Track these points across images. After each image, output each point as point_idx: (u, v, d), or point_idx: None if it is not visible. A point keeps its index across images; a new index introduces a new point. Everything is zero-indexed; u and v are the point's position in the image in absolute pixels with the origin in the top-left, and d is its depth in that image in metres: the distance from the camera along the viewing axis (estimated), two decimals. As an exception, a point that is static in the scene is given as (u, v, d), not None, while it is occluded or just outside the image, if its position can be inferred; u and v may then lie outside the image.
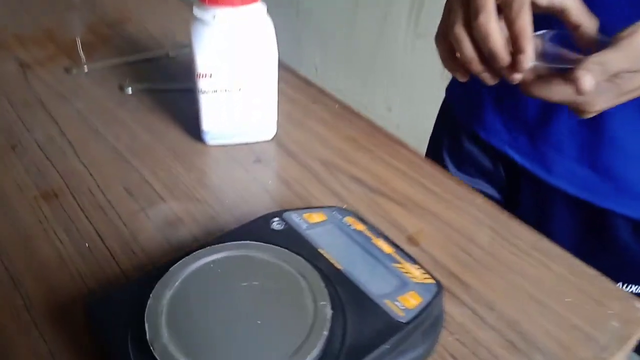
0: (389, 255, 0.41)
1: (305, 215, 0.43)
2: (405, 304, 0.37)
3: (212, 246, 0.38)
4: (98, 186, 0.51)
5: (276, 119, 0.57)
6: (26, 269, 0.43)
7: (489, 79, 0.46)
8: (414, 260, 0.41)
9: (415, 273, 0.40)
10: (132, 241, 0.45)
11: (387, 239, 0.43)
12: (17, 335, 0.38)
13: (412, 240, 0.48)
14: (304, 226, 0.42)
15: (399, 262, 0.41)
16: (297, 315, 0.34)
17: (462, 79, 0.48)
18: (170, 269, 0.36)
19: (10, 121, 0.58)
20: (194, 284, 0.35)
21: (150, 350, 0.31)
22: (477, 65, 0.45)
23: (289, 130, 0.59)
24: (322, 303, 0.35)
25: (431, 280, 0.40)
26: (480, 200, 0.52)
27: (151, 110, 0.61)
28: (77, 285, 0.42)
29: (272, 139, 0.58)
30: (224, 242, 0.39)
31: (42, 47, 0.72)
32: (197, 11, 0.50)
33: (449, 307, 0.42)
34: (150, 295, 0.34)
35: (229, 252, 0.38)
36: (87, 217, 0.47)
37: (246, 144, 0.57)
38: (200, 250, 0.37)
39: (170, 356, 0.31)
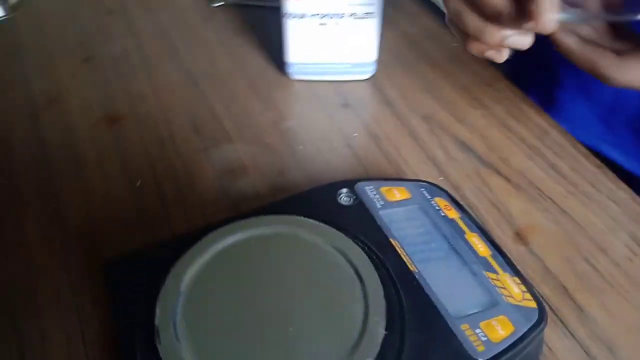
0: (483, 260, 0.32)
1: (384, 190, 0.35)
2: (489, 334, 0.28)
3: (257, 217, 0.31)
4: (164, 115, 0.45)
5: (376, 55, 0.47)
6: (71, 197, 0.39)
7: (519, 42, 0.35)
8: (516, 271, 0.32)
9: (513, 290, 0.30)
10: (186, 186, 0.40)
11: (485, 235, 0.33)
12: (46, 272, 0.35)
13: (520, 236, 0.37)
14: (379, 204, 0.33)
15: (494, 272, 0.31)
16: (340, 330, 0.27)
17: (498, 59, 0.37)
18: (200, 241, 0.29)
19: (90, 30, 0.54)
20: (222, 266, 0.29)
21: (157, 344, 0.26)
22: (492, 34, 0.35)
23: (390, 72, 0.49)
24: (375, 319, 0.27)
25: (533, 304, 0.30)
26: (624, 194, 0.40)
27: (237, 30, 0.54)
28: (118, 227, 0.37)
29: (368, 79, 0.49)
30: (280, 209, 0.32)
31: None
32: None
33: (552, 336, 0.32)
34: (169, 273, 0.28)
35: (275, 228, 0.30)
36: (145, 150, 0.42)
37: (336, 82, 0.48)
38: (241, 221, 0.31)
39: (177, 357, 0.25)
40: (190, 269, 0.28)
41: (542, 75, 0.53)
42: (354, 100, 0.47)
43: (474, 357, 0.27)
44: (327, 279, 0.29)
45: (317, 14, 0.43)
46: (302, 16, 0.43)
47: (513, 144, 0.43)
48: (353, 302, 0.27)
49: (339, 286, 0.28)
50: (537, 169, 0.42)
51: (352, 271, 0.29)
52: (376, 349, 0.26)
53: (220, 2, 0.56)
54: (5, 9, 0.54)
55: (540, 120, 0.45)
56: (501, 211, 0.39)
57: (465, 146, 0.43)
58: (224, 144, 0.43)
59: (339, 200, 0.33)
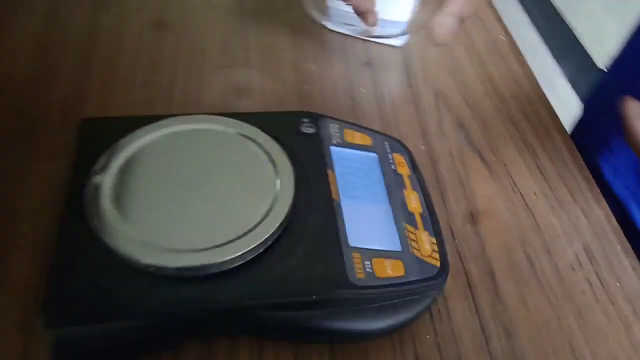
0: (410, 214, 0.33)
1: (347, 131, 0.37)
2: (376, 269, 0.29)
3: (208, 115, 0.34)
4: (201, 32, 0.50)
5: (408, 17, 0.49)
6: (91, 88, 0.45)
7: None
8: (436, 233, 0.33)
9: (423, 245, 0.32)
10: (195, 91, 0.44)
11: (425, 196, 0.35)
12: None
13: (472, 216, 0.38)
14: (335, 141, 0.36)
15: (414, 226, 0.33)
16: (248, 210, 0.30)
17: None
18: (152, 124, 0.33)
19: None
20: (161, 147, 0.32)
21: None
22: None
23: (424, 46, 0.50)
24: (277, 210, 0.29)
25: (436, 263, 0.31)
26: (599, 211, 0.39)
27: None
28: (126, 110, 0.42)
29: (402, 47, 0.50)
30: (241, 118, 0.35)
31: None
32: None
33: (456, 305, 0.33)
34: (117, 143, 0.32)
35: (220, 126, 0.34)
36: (174, 58, 0.47)
37: (369, 41, 0.50)
38: (193, 116, 0.34)
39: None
40: (134, 144, 0.32)
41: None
42: (376, 61, 0.49)
43: (351, 280, 0.29)
44: (250, 170, 0.32)
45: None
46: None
47: (510, 138, 0.43)
48: (266, 194, 0.30)
49: (259, 180, 0.31)
50: (522, 165, 0.41)
51: (273, 171, 0.32)
52: (263, 246, 0.28)
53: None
54: None
55: (550, 122, 0.45)
56: (465, 191, 0.39)
57: (462, 128, 0.44)
58: (242, 68, 0.47)
59: (299, 127, 0.36)
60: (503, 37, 0.52)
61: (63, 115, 0.41)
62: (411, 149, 0.40)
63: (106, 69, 0.45)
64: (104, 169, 0.31)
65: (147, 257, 0.27)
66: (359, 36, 0.50)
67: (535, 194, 0.39)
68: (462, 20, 0.36)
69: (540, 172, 0.41)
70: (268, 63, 0.47)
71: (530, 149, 0.43)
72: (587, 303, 0.34)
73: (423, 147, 0.42)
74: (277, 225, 0.29)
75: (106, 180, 0.30)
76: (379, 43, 0.50)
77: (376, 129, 0.40)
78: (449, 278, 0.33)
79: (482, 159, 0.42)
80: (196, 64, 0.47)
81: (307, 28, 0.51)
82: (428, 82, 0.47)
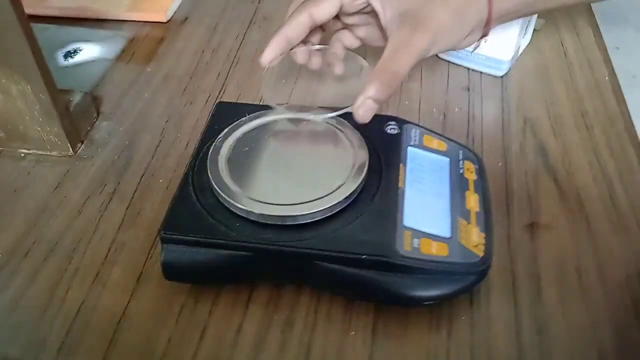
0: (466, 210, 0.38)
1: (426, 137, 0.42)
2: (422, 247, 0.35)
3: (302, 105, 0.43)
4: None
5: (512, 55, 0.53)
6: (232, 82, 0.55)
7: None
8: (487, 230, 0.37)
9: (471, 237, 0.36)
10: (312, 93, 0.53)
11: (484, 199, 0.39)
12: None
13: (532, 228, 0.41)
14: (413, 142, 0.41)
15: (468, 220, 0.37)
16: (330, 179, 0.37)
17: None
18: (259, 112, 0.42)
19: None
20: (268, 131, 0.41)
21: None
22: None
23: (525, 76, 0.54)
24: (351, 184, 0.36)
25: (480, 253, 0.35)
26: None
27: None
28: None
29: (502, 77, 0.55)
30: (337, 115, 0.42)
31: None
32: None
33: (495, 295, 0.37)
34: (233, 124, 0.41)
35: (311, 116, 0.41)
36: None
37: (474, 70, 0.55)
38: (286, 106, 0.42)
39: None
40: (249, 124, 0.41)
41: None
42: (476, 87, 0.53)
43: (397, 250, 0.34)
44: (334, 154, 0.39)
45: (467, 4, 0.51)
46: None
47: (590, 169, 0.45)
48: (342, 174, 0.37)
49: (339, 162, 0.38)
50: (595, 194, 0.43)
51: (352, 157, 0.38)
52: (330, 211, 0.35)
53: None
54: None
55: (635, 160, 0.46)
56: (532, 205, 0.43)
57: (542, 152, 0.47)
58: (356, 78, 0.54)
59: (385, 128, 0.42)
60: (607, 78, 0.54)
61: (207, 101, 0.52)
62: (488, 163, 0.44)
63: (246, 69, 0.56)
64: (224, 139, 0.40)
65: (245, 204, 0.35)
66: (464, 65, 0.55)
67: (599, 220, 0.42)
68: (378, 103, 0.39)
69: (613, 203, 0.43)
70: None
71: (608, 180, 0.44)
72: (628, 320, 0.36)
73: (500, 164, 0.46)
74: (345, 197, 0.35)
75: (224, 147, 0.39)
76: (481, 72, 0.55)
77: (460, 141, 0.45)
78: (494, 273, 0.37)
79: (556, 181, 0.44)
80: (317, 73, 0.55)
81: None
82: (520, 109, 0.51)
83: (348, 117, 0.41)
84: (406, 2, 0.40)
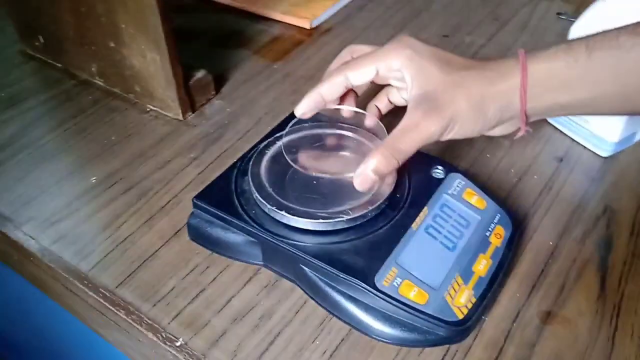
0: (469, 271, 0.38)
1: (468, 189, 0.42)
2: (401, 287, 0.36)
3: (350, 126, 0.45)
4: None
5: (618, 139, 0.48)
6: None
7: None
8: (481, 297, 0.36)
9: (459, 297, 0.36)
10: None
11: (498, 268, 0.38)
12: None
13: (547, 315, 0.38)
14: (451, 191, 0.41)
15: (465, 281, 0.37)
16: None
17: None
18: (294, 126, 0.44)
19: None
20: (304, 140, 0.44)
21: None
22: None
23: (633, 164, 0.49)
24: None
25: (460, 314, 0.35)
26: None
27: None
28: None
29: (605, 158, 0.50)
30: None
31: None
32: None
33: None
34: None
35: (354, 135, 0.44)
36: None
37: (578, 143, 0.52)
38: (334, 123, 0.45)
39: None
40: (300, 134, 0.45)
41: None
42: (570, 160, 0.50)
43: (374, 280, 0.35)
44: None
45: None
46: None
47: None
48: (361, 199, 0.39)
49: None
50: (638, 306, 0.39)
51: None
52: (333, 226, 0.38)
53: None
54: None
55: None
56: (562, 294, 0.40)
57: (606, 246, 0.43)
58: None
59: (431, 169, 0.43)
60: None
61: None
62: (538, 239, 0.42)
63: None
64: (276, 140, 0.44)
65: (263, 198, 0.39)
66: (570, 135, 0.52)
67: (630, 337, 0.37)
68: (378, 175, 0.38)
69: (660, 324, 0.38)
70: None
71: None
72: None
73: (551, 243, 0.43)
74: (351, 218, 0.38)
75: (273, 147, 0.43)
76: (586, 148, 0.51)
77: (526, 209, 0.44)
78: (481, 342, 0.36)
79: (602, 281, 0.41)
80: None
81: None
82: (607, 197, 0.47)
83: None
84: (433, 82, 0.39)
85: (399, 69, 0.41)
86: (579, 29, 0.48)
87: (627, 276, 0.41)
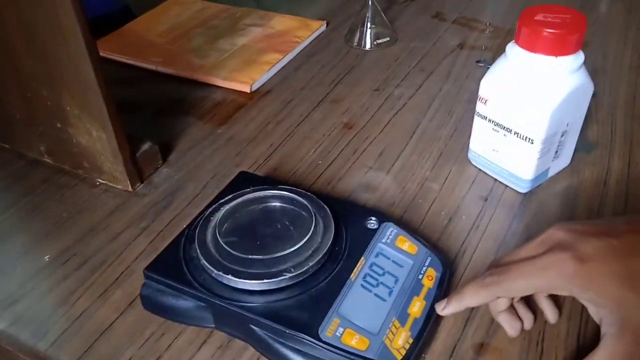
0: (405, 314, 0.41)
1: (400, 237, 0.46)
2: (343, 336, 0.38)
3: (296, 189, 0.48)
4: (380, 139, 0.64)
5: (532, 176, 0.53)
6: (275, 156, 0.63)
7: None
8: (417, 337, 0.40)
9: (397, 339, 0.39)
10: (333, 179, 0.58)
11: (432, 308, 0.41)
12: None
13: (480, 347, 0.42)
14: (384, 240, 0.45)
15: (402, 324, 0.40)
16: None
17: None
18: (240, 193, 0.48)
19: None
20: (254, 203, 0.47)
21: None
22: None
23: (550, 197, 0.54)
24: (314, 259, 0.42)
25: (398, 356, 0.38)
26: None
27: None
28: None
29: (525, 194, 0.55)
30: (322, 198, 0.47)
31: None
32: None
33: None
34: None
35: (301, 199, 0.46)
36: (346, 153, 0.62)
37: (500, 182, 0.57)
38: (286, 187, 0.48)
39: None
40: (244, 198, 0.47)
41: None
42: (494, 198, 0.55)
43: (318, 333, 0.38)
44: (302, 233, 0.43)
45: (493, 121, 0.53)
46: (484, 117, 0.54)
47: (570, 318, 0.45)
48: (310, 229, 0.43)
49: (306, 243, 0.43)
50: (557, 330, 0.43)
51: (319, 241, 0.43)
52: (276, 284, 0.40)
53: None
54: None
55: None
56: (492, 325, 0.43)
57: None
58: (381, 176, 0.59)
59: (365, 221, 0.46)
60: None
61: (250, 167, 0.61)
62: (470, 276, 0.46)
63: (294, 145, 0.64)
64: (223, 205, 0.47)
65: (210, 264, 0.42)
66: (492, 175, 0.57)
67: (554, 358, 0.41)
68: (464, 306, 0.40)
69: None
70: (403, 174, 0.59)
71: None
72: None
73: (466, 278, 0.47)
74: (294, 275, 0.41)
75: (219, 212, 0.46)
76: (507, 186, 0.56)
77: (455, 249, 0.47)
78: (418, 380, 0.39)
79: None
80: (352, 160, 0.61)
81: (456, 157, 0.61)
82: (529, 229, 0.52)
83: (331, 204, 0.46)
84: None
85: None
86: (487, 81, 0.53)
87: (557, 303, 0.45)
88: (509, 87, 0.51)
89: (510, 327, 0.42)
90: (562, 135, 0.53)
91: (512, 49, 0.51)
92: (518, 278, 0.38)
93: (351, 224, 0.46)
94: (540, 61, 0.49)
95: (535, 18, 0.48)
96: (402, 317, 0.40)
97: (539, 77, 0.49)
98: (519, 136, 0.52)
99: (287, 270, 0.41)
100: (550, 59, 0.48)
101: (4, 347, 0.44)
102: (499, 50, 0.67)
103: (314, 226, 0.44)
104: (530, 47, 0.49)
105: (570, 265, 0.36)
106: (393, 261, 0.44)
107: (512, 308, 0.42)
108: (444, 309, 0.41)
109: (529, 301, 0.44)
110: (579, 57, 0.49)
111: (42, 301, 0.47)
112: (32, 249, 0.52)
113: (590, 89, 0.52)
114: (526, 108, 0.50)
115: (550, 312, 0.43)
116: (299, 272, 0.41)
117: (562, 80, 0.49)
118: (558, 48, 0.48)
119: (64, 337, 0.44)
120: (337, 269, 0.43)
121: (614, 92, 0.71)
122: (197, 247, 0.43)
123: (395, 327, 0.40)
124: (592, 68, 0.55)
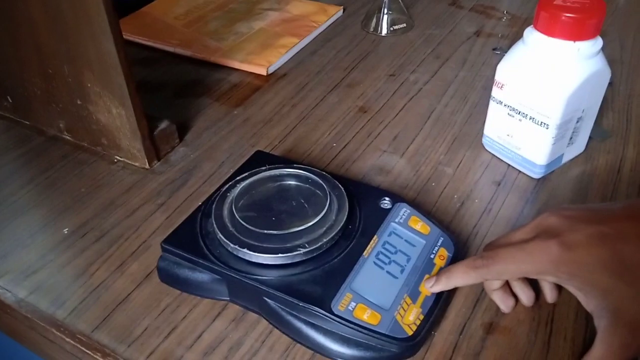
0: (417, 291, 0.41)
1: (413, 217, 0.46)
2: (355, 311, 0.39)
3: (313, 168, 0.48)
4: (392, 120, 0.64)
5: (545, 162, 0.54)
6: (291, 137, 0.63)
7: None
8: (428, 314, 0.40)
9: (409, 315, 0.40)
10: (347, 161, 0.59)
11: (438, 298, 0.42)
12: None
13: (490, 326, 0.42)
14: (397, 220, 0.46)
15: (414, 300, 0.41)
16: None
17: None
18: (260, 169, 0.48)
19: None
20: (272, 180, 0.48)
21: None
22: None
23: (563, 184, 0.54)
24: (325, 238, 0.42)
25: (409, 331, 0.39)
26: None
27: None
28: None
29: (538, 180, 0.55)
30: (337, 178, 0.48)
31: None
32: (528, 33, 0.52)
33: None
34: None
35: (317, 178, 0.47)
36: (361, 137, 0.63)
37: (514, 168, 0.57)
38: (302, 166, 0.49)
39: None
40: (260, 175, 0.48)
41: None
42: (507, 183, 0.55)
43: (331, 306, 0.39)
44: (318, 211, 0.44)
45: (508, 106, 0.54)
46: (500, 102, 0.54)
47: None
48: (317, 230, 0.43)
49: (320, 220, 0.43)
50: (571, 312, 0.43)
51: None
52: (291, 259, 0.41)
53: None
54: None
55: None
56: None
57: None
58: (396, 157, 0.59)
59: (379, 201, 0.47)
60: None
61: (266, 147, 0.61)
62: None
63: (310, 127, 0.64)
64: (239, 182, 0.48)
65: (227, 238, 0.43)
66: (505, 161, 0.57)
67: (564, 339, 0.41)
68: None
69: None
70: (417, 158, 0.59)
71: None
72: None
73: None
74: (308, 250, 0.41)
75: (236, 189, 0.47)
76: (521, 171, 0.56)
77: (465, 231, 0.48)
78: (431, 355, 0.40)
79: (537, 289, 0.45)
80: (366, 143, 0.61)
81: (470, 143, 0.61)
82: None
83: (346, 184, 0.47)
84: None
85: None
86: (504, 65, 0.54)
87: (559, 285, 0.45)
88: (526, 72, 0.51)
89: (503, 304, 0.43)
90: (577, 121, 0.53)
91: (530, 33, 0.51)
92: (506, 262, 0.38)
93: (365, 204, 0.47)
94: (558, 46, 0.49)
95: (555, 2, 0.49)
96: (414, 294, 0.41)
97: (556, 61, 0.49)
98: (534, 121, 0.52)
99: (302, 246, 0.42)
100: (569, 43, 0.48)
101: (23, 314, 0.46)
102: (516, 39, 0.67)
103: (329, 204, 0.45)
104: (549, 31, 0.49)
105: (555, 252, 0.35)
106: (405, 240, 0.45)
107: (506, 286, 0.43)
108: (432, 286, 0.42)
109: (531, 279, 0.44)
110: (597, 43, 0.49)
111: (60, 272, 0.48)
112: (51, 222, 0.53)
113: (607, 75, 0.52)
114: (542, 92, 0.51)
115: (524, 295, 0.43)
116: (313, 247, 0.42)
117: (579, 65, 0.49)
118: (576, 33, 0.48)
119: (81, 306, 0.45)
120: (350, 246, 0.43)
121: (631, 81, 0.70)
122: (213, 221, 0.44)
123: (407, 303, 0.40)
124: (610, 58, 0.55)
